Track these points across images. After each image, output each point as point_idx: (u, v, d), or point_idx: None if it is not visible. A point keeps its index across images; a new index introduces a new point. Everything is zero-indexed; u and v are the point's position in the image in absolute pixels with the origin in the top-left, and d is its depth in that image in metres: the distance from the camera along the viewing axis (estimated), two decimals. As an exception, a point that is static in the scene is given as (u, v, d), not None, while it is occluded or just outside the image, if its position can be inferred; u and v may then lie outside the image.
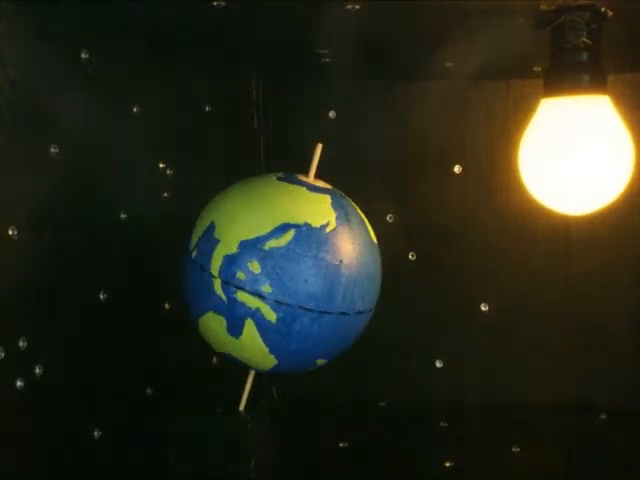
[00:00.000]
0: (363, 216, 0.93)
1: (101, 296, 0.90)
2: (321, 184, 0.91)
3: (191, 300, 0.89)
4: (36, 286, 0.78)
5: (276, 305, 0.84)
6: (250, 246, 0.84)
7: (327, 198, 0.89)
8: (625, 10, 0.80)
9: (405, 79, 1.24)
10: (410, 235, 1.27)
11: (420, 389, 1.28)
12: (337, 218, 0.88)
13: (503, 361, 1.26)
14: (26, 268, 0.77)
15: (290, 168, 0.93)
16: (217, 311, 0.86)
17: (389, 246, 0.99)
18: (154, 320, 1.02)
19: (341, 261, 0.86)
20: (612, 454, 1.09)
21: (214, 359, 1.10)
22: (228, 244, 0.85)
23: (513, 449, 1.11)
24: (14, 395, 0.75)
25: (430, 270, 1.27)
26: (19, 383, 0.75)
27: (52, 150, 0.80)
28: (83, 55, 0.85)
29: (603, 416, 1.21)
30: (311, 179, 0.92)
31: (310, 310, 0.85)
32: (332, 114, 1.27)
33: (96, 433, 0.88)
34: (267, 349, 0.86)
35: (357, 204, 0.94)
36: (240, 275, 0.84)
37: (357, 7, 0.77)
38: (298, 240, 0.85)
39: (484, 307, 1.26)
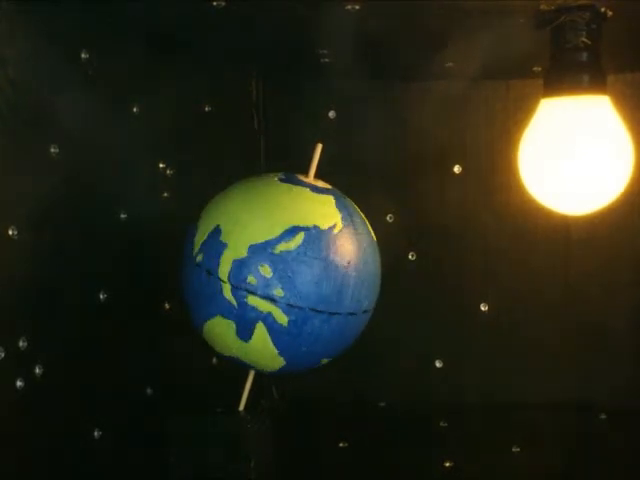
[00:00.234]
0: (362, 215, 0.93)
1: (101, 296, 0.90)
2: (322, 184, 0.91)
3: (195, 304, 0.89)
4: (36, 286, 0.78)
5: (288, 308, 0.84)
6: (260, 250, 0.84)
7: (331, 199, 0.89)
8: (625, 10, 0.80)
9: (405, 79, 1.24)
10: (410, 235, 1.27)
11: (420, 389, 1.28)
12: (343, 219, 0.88)
13: (503, 361, 1.25)
14: (26, 268, 0.77)
15: (290, 168, 0.93)
16: (226, 316, 0.85)
17: (389, 246, 0.99)
18: (154, 320, 1.01)
19: (349, 262, 0.86)
20: (612, 454, 1.08)
21: (214, 359, 1.10)
22: (237, 248, 0.85)
23: (513, 449, 1.11)
24: (14, 395, 0.75)
25: (430, 270, 1.27)
26: (19, 383, 0.75)
27: (52, 150, 0.80)
28: (83, 55, 0.85)
29: (603, 416, 1.20)
30: (311, 179, 0.92)
31: (321, 312, 0.85)
32: (332, 114, 1.27)
33: (96, 433, 0.88)
34: (277, 351, 0.86)
35: (357, 204, 0.94)
36: (251, 279, 0.84)
37: (357, 7, 0.77)
38: (308, 243, 0.85)
39: (484, 307, 1.26)
